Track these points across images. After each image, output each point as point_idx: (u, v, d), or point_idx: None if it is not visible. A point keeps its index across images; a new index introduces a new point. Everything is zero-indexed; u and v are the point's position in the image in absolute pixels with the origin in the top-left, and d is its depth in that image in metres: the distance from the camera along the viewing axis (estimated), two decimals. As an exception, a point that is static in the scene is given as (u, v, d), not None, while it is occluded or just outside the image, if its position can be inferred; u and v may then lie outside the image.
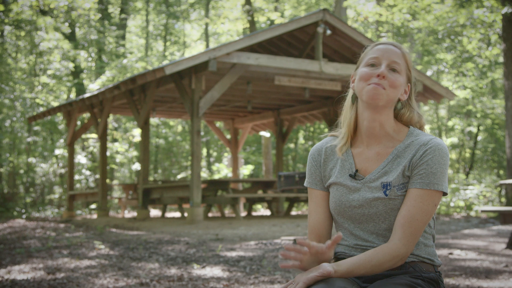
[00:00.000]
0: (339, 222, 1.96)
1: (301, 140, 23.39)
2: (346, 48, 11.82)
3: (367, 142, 1.93)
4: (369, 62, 1.90)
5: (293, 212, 15.28)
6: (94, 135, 18.75)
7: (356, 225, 1.91)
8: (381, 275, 1.84)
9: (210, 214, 14.28)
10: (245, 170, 17.81)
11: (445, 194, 1.84)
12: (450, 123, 19.95)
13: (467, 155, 20.88)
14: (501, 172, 20.55)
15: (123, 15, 24.04)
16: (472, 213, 14.43)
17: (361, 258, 1.79)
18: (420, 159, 1.84)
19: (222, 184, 12.06)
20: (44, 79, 19.35)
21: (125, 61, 19.61)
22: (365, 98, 1.87)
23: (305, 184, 2.05)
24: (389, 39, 19.56)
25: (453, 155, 20.26)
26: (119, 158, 20.55)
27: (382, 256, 1.79)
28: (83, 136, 18.91)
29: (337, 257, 1.96)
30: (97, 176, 18.02)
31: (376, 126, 1.91)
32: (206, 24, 24.99)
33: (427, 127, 18.02)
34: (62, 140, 19.42)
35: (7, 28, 19.25)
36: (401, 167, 1.86)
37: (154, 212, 16.05)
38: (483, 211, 9.20)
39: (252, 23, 20.79)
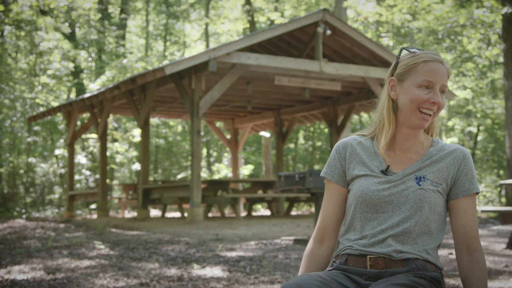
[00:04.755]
0: (360, 211, 1.93)
1: (301, 140, 23.39)
2: (346, 48, 11.81)
3: (399, 149, 1.97)
4: (423, 84, 1.89)
5: (293, 212, 15.28)
6: (94, 135, 18.74)
7: (380, 215, 1.90)
8: (386, 272, 1.83)
9: (210, 214, 14.28)
10: (245, 170, 17.80)
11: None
12: (450, 123, 19.95)
13: (467, 155, 20.85)
14: (501, 172, 20.56)
15: (123, 15, 24.03)
16: (472, 213, 14.41)
17: (476, 283, 1.87)
18: (463, 167, 1.94)
19: (222, 184, 12.06)
20: (44, 79, 19.35)
21: (125, 61, 19.61)
22: (413, 123, 1.91)
23: (321, 174, 2.04)
24: (389, 39, 19.55)
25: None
26: (119, 158, 20.54)
27: (483, 268, 1.89)
28: (83, 136, 18.90)
29: (340, 255, 1.94)
30: (97, 176, 18.01)
31: (412, 138, 1.95)
32: (206, 24, 24.99)
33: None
34: (62, 140, 19.42)
35: (7, 28, 19.24)
36: (437, 168, 1.92)
37: (154, 212, 16.05)
38: (483, 211, 9.20)
39: (252, 23, 20.78)
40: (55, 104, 19.35)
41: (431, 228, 1.89)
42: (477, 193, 1.95)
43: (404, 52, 1.98)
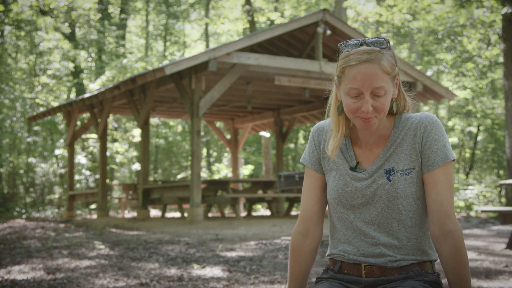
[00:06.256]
0: (338, 212, 1.88)
1: (301, 140, 23.39)
2: (346, 48, 11.80)
3: (365, 145, 1.88)
4: (351, 93, 1.73)
5: (293, 212, 15.27)
6: (94, 135, 18.75)
7: (357, 215, 1.84)
8: (382, 280, 1.81)
9: (210, 214, 14.28)
10: (245, 170, 17.80)
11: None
12: (450, 123, 19.94)
13: (467, 155, 20.88)
14: (501, 172, 20.56)
15: (123, 15, 24.04)
16: (472, 213, 14.43)
17: (456, 273, 1.74)
18: (425, 140, 1.79)
19: (222, 184, 12.05)
20: (44, 79, 19.35)
21: (125, 61, 19.61)
22: (358, 127, 1.80)
23: (301, 159, 1.97)
24: (390, 39, 19.55)
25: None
26: (119, 158, 20.55)
27: (461, 249, 1.72)
28: (83, 136, 18.90)
29: (334, 259, 1.92)
30: (97, 176, 18.02)
31: (373, 134, 1.85)
32: (206, 24, 24.99)
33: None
34: (62, 140, 19.42)
35: (7, 28, 19.24)
36: (403, 154, 1.82)
37: (154, 212, 16.05)
38: (483, 211, 9.20)
39: (252, 23, 20.78)
40: (55, 104, 19.35)
41: (416, 218, 1.82)
42: (453, 160, 1.79)
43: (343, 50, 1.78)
